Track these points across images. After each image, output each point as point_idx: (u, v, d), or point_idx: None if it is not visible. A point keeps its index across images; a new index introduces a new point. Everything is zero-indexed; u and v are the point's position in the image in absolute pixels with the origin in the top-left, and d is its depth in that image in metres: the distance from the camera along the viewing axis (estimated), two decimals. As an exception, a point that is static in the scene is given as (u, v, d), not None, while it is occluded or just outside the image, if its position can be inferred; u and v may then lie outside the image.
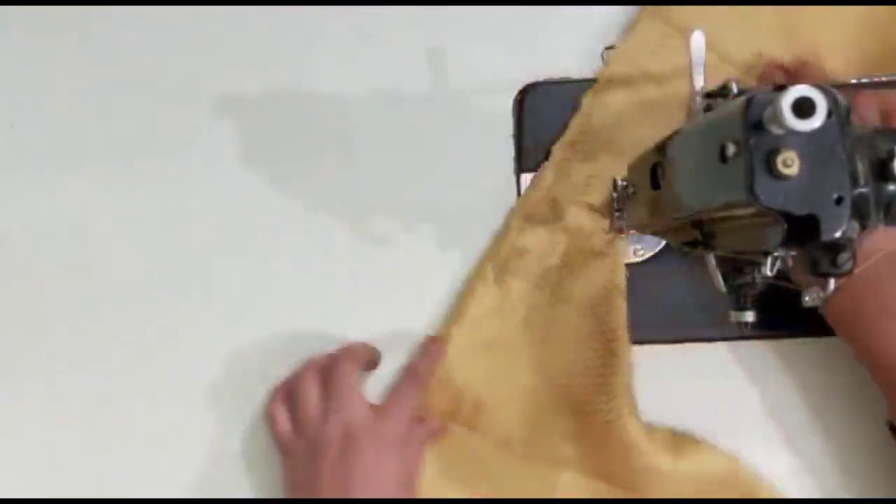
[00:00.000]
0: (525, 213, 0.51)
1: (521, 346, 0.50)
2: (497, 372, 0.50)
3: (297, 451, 0.46)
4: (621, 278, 0.49)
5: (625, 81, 0.51)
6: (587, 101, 0.51)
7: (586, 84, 0.52)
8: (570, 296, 0.50)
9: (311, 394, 0.46)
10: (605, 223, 0.50)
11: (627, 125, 0.50)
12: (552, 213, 0.50)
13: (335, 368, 0.46)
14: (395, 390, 0.49)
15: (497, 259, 0.50)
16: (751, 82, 0.50)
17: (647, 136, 0.49)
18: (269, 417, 0.48)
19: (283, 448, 0.47)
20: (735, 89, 0.33)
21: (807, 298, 0.31)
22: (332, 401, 0.45)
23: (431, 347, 0.50)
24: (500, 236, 0.51)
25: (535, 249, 0.50)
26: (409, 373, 0.49)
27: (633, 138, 0.50)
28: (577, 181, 0.50)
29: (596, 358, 0.49)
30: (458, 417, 0.49)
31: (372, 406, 0.46)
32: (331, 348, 0.51)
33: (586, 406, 0.49)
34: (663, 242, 0.49)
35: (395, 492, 0.44)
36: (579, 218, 0.50)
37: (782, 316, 0.47)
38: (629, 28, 0.51)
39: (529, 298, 0.50)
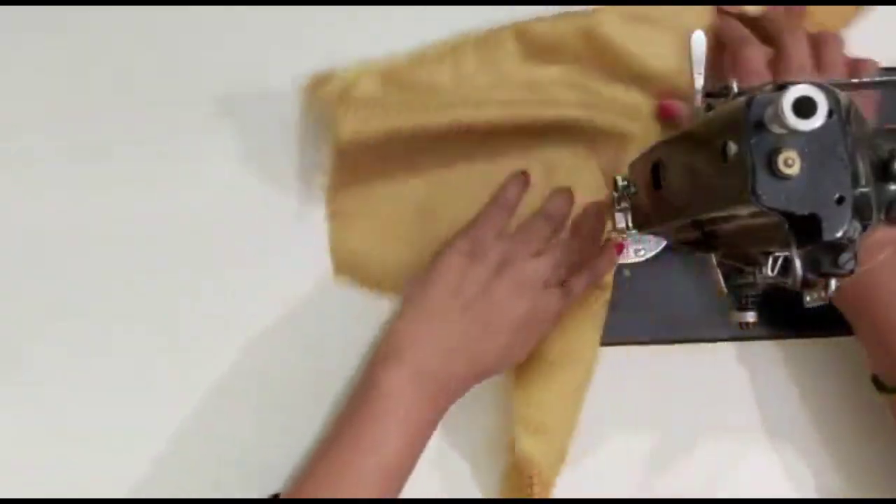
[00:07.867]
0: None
1: None
2: None
3: (486, 256, 0.46)
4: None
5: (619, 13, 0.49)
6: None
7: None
8: None
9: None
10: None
11: (628, 47, 0.48)
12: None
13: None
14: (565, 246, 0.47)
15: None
16: None
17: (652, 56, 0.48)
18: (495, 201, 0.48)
19: (478, 246, 0.46)
20: (735, 89, 0.33)
21: (808, 298, 0.31)
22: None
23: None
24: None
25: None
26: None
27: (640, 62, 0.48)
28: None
29: None
30: None
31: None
32: (329, 348, 0.51)
33: None
34: (664, 242, 0.49)
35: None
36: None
37: (782, 316, 0.48)
38: None
39: None
